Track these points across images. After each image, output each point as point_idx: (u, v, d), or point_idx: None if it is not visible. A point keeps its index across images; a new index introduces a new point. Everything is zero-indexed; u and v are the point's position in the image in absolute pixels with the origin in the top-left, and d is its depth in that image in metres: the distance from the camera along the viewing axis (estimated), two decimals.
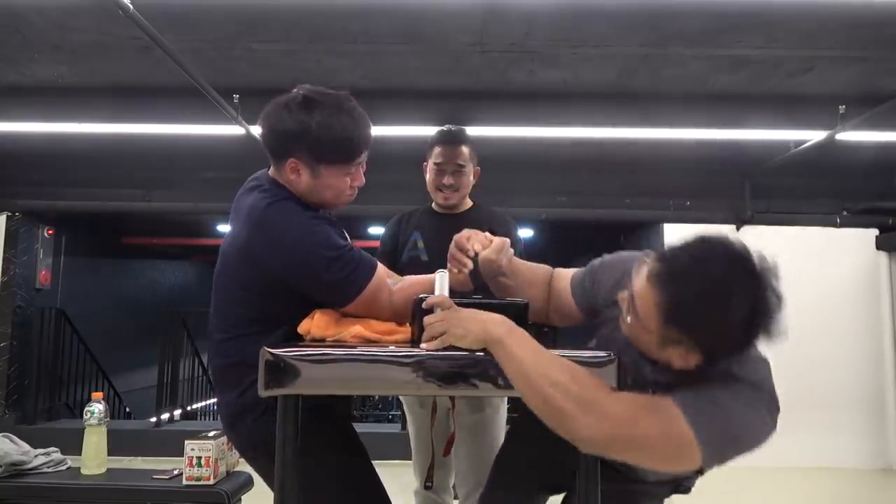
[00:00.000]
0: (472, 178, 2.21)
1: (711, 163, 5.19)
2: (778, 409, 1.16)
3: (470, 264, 1.36)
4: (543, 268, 1.50)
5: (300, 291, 1.36)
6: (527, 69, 3.89)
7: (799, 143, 4.47)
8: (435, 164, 2.17)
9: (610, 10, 3.20)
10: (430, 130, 4.18)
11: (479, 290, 1.43)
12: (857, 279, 5.33)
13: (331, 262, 1.34)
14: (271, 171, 1.48)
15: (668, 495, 1.46)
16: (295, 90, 1.43)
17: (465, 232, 1.39)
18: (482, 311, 1.14)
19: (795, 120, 4.28)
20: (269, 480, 1.35)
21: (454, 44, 3.59)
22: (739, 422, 1.07)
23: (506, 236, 2.02)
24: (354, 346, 1.19)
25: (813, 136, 4.30)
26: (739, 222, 5.38)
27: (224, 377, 1.45)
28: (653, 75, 3.95)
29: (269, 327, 1.36)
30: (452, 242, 1.39)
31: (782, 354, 5.01)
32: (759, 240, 4.93)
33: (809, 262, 5.29)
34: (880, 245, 5.36)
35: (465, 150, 2.17)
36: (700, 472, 1.10)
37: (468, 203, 2.26)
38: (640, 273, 1.11)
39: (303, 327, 1.28)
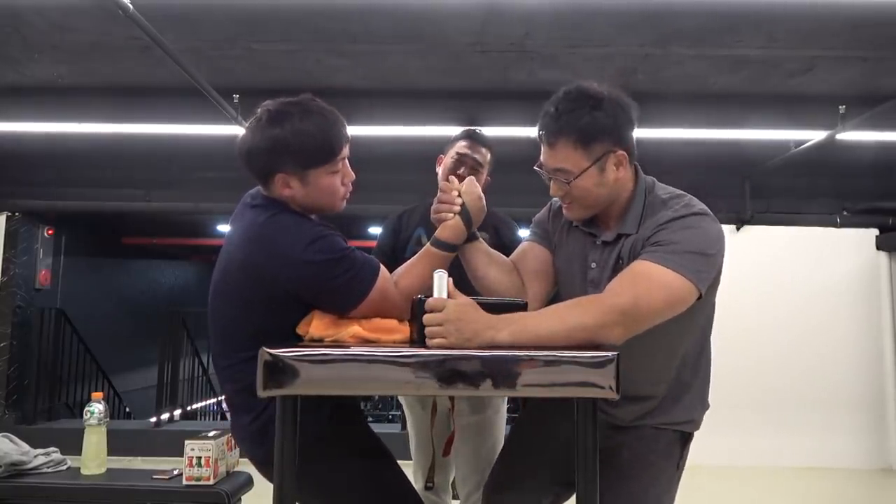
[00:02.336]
0: (482, 182, 2.17)
1: (711, 163, 5.19)
2: (709, 211, 1.35)
3: (459, 201, 1.46)
4: None
5: (307, 301, 1.35)
6: (527, 69, 3.89)
7: (799, 143, 4.46)
8: (456, 153, 2.13)
9: (610, 9, 3.20)
10: (429, 130, 4.20)
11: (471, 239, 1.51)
12: (857, 279, 5.33)
13: (336, 263, 1.34)
14: (263, 192, 1.48)
15: (679, 452, 1.44)
16: (258, 111, 1.43)
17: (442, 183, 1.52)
18: (473, 314, 1.16)
19: (795, 120, 4.27)
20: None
21: (454, 44, 3.58)
22: (699, 241, 1.27)
23: (510, 236, 2.05)
24: (353, 347, 1.19)
25: (813, 136, 4.30)
26: (739, 222, 5.37)
27: (236, 402, 1.46)
28: (653, 75, 3.95)
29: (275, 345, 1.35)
30: (436, 197, 1.50)
31: (783, 354, 5.03)
32: (759, 240, 4.95)
33: (809, 262, 5.29)
34: (880, 245, 5.36)
35: (485, 153, 2.15)
36: (700, 297, 1.26)
37: None
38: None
39: (301, 329, 1.28)
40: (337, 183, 1.45)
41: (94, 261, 7.44)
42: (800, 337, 5.14)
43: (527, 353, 1.11)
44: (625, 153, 1.35)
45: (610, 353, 1.08)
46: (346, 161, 1.47)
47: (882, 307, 5.31)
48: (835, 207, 5.41)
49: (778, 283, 5.24)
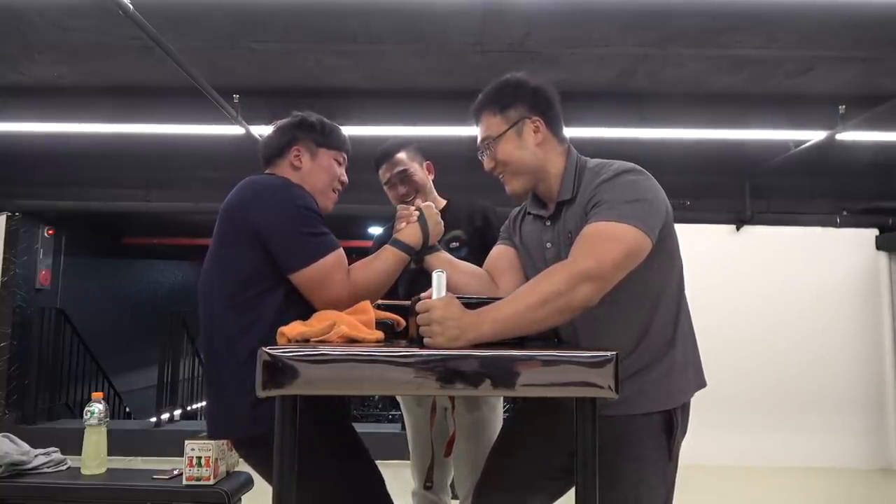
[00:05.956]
0: (424, 175, 2.14)
1: (711, 163, 5.19)
2: (639, 167, 1.42)
3: (417, 213, 1.64)
4: None
5: (266, 244, 1.41)
6: (527, 69, 3.88)
7: (799, 143, 4.47)
8: (385, 184, 2.14)
9: (610, 10, 3.20)
10: (429, 130, 4.20)
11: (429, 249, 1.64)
12: (857, 279, 5.33)
13: (307, 216, 1.43)
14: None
15: (666, 440, 1.40)
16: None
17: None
18: (457, 313, 1.16)
19: (795, 120, 4.27)
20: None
21: (454, 44, 3.59)
22: (633, 191, 1.35)
23: (485, 220, 2.09)
24: (352, 347, 1.19)
25: (813, 136, 4.30)
26: (739, 222, 5.37)
27: (230, 378, 1.45)
28: (653, 75, 3.95)
29: (269, 302, 1.42)
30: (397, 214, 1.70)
31: (783, 354, 5.03)
32: (759, 240, 4.95)
33: (809, 262, 5.30)
34: (880, 245, 5.37)
35: (400, 156, 2.10)
36: (653, 242, 1.32)
37: (441, 202, 2.19)
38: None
39: (280, 341, 1.26)
40: (335, 172, 1.63)
41: (94, 261, 7.44)
42: (800, 337, 5.14)
43: (526, 352, 1.11)
44: (540, 119, 1.49)
45: (609, 353, 1.08)
46: (344, 169, 1.68)
47: (882, 307, 5.31)
48: (835, 207, 5.42)
49: (778, 283, 5.24)
